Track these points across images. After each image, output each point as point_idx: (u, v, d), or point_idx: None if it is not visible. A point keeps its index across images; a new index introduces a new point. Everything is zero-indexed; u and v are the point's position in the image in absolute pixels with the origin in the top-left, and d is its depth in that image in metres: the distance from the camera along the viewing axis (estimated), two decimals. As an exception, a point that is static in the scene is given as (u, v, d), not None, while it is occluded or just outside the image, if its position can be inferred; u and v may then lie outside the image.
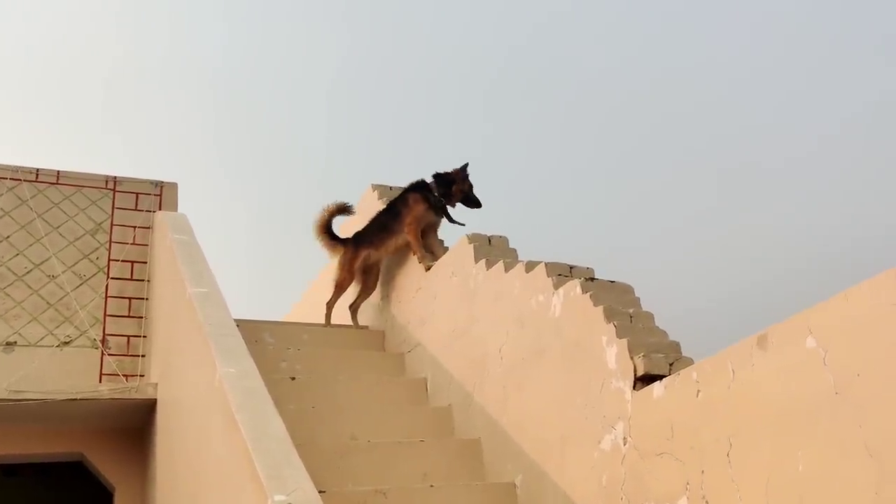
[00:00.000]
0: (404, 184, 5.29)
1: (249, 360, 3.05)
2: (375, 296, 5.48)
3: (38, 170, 5.18)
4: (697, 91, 12.75)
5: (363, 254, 5.31)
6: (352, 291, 5.50)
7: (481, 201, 5.10)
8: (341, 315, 5.50)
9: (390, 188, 5.79)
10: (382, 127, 15.87)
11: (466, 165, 5.10)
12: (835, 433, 2.13)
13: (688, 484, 2.63)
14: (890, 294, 2.03)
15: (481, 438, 3.91)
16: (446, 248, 4.86)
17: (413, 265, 5.01)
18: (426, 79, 15.42)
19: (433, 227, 5.14)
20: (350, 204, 5.51)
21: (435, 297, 4.62)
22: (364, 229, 5.37)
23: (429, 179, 5.11)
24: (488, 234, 4.38)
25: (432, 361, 4.52)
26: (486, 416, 3.90)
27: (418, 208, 5.03)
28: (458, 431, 4.14)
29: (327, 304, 5.46)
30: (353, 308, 5.54)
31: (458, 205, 5.11)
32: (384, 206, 5.36)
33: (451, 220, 5.10)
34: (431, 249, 5.01)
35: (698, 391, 2.65)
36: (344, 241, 5.43)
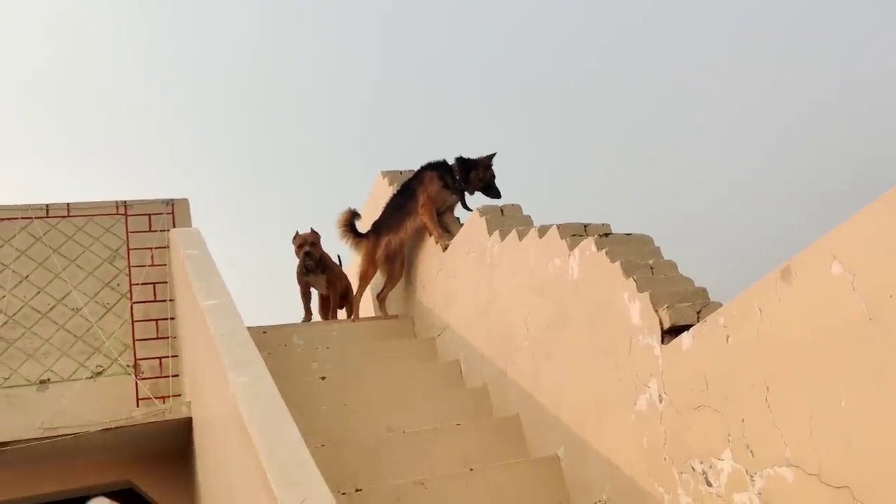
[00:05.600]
0: (414, 168, 5.15)
1: (262, 366, 2.95)
2: (402, 283, 5.37)
3: (47, 205, 5.16)
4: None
5: (384, 241, 5.20)
6: (379, 281, 5.40)
7: (501, 192, 4.91)
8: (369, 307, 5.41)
9: (401, 173, 5.66)
10: (383, 119, 15.83)
11: (493, 155, 4.93)
12: (873, 362, 1.95)
13: (729, 435, 2.46)
14: (914, 202, 1.83)
15: (519, 414, 3.77)
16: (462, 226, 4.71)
17: (432, 247, 4.88)
18: (424, 68, 15.31)
19: (450, 207, 4.99)
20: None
21: (455, 277, 4.48)
22: (381, 216, 5.27)
23: (451, 161, 4.97)
24: (500, 205, 4.22)
25: (462, 342, 4.39)
26: (520, 390, 3.76)
27: (433, 187, 4.89)
28: (496, 410, 4.01)
29: (353, 297, 5.38)
30: (381, 298, 5.45)
31: (478, 193, 4.95)
32: (397, 189, 5.24)
33: (464, 205, 4.95)
34: (448, 228, 4.86)
35: (727, 336, 2.48)
36: (366, 235, 5.36)
